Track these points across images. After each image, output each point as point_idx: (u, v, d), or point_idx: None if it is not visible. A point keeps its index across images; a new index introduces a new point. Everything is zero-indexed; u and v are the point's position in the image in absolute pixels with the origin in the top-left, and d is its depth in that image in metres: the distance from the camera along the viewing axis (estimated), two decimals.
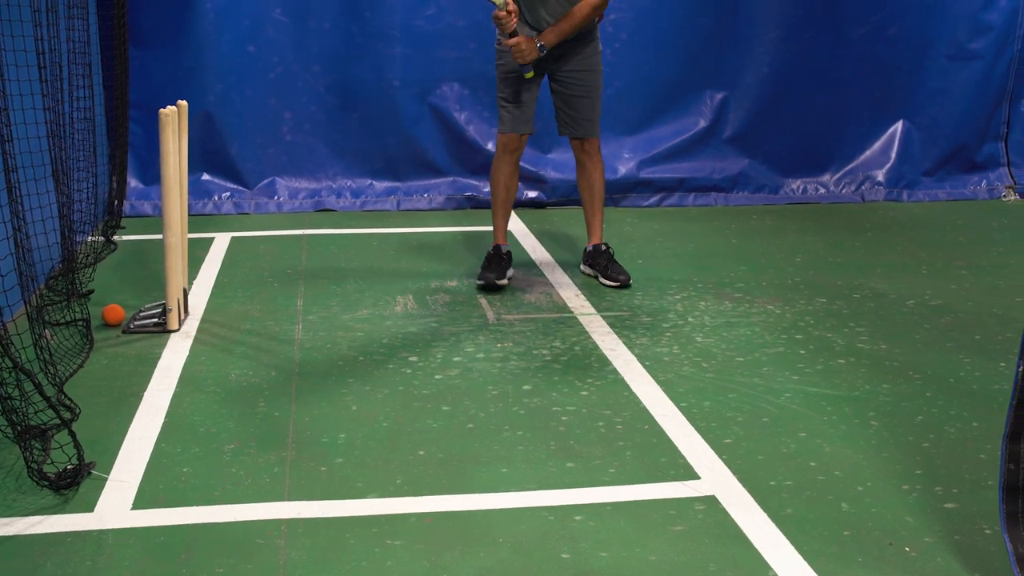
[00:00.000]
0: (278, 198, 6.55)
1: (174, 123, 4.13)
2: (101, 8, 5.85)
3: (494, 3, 4.54)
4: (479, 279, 4.84)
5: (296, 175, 6.63)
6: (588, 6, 4.63)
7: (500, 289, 4.81)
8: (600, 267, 4.96)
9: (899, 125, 7.10)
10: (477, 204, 6.54)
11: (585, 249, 5.10)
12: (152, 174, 6.44)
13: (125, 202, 6.25)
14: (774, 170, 6.95)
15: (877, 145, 7.12)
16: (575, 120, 4.87)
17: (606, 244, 5.03)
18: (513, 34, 4.59)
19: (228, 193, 6.52)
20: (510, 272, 4.94)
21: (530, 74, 4.70)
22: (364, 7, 6.42)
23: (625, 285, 4.85)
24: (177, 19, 6.34)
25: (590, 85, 4.84)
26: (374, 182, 6.64)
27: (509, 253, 5.01)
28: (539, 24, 4.69)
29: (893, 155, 7.08)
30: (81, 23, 5.04)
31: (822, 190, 6.98)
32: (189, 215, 4.76)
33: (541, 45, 4.63)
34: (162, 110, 4.07)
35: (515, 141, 4.87)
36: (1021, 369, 2.38)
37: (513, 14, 4.54)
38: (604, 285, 4.88)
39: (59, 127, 4.30)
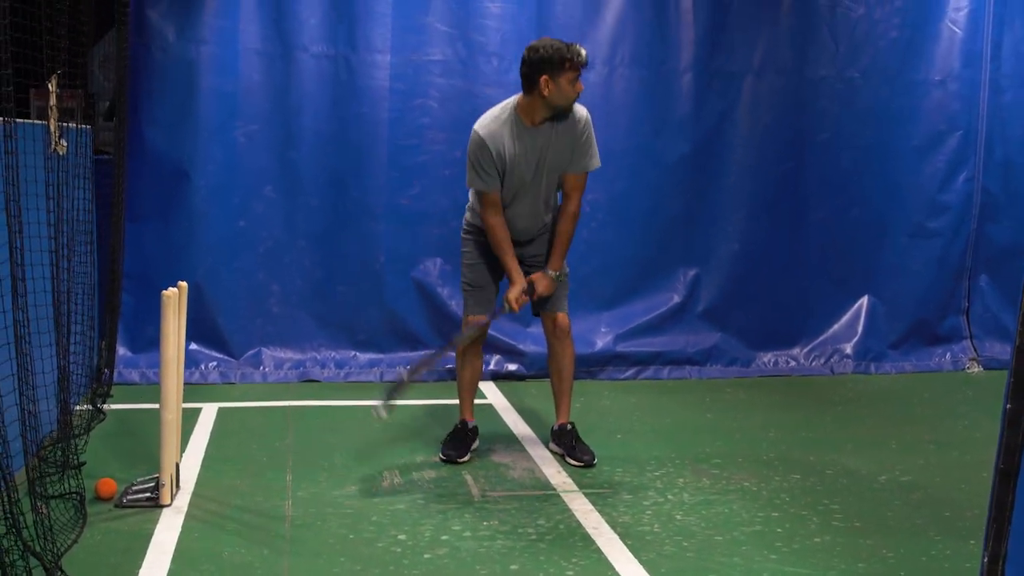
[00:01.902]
0: (263, 368, 6.69)
1: (175, 304, 4.30)
2: (99, 185, 6.07)
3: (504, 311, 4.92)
4: (442, 453, 5.03)
5: (281, 346, 6.78)
6: (571, 219, 4.91)
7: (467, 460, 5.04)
8: (566, 446, 5.10)
9: (864, 300, 7.39)
10: (456, 379, 6.69)
11: (552, 428, 5.25)
12: (141, 343, 6.58)
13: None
14: (745, 344, 7.19)
15: (844, 319, 7.39)
16: (545, 299, 5.04)
17: (571, 423, 5.17)
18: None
19: (215, 363, 6.66)
20: (474, 445, 5.14)
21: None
22: (352, 186, 6.71)
23: (589, 465, 4.97)
24: (171, 194, 6.57)
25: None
26: (358, 353, 6.81)
27: (475, 428, 5.20)
28: (514, 219, 4.92)
29: (860, 329, 7.35)
30: (85, 203, 5.27)
31: (792, 363, 7.21)
32: None
33: (555, 275, 4.91)
34: (164, 292, 4.24)
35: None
36: (986, 560, 2.52)
37: (520, 300, 4.86)
38: (570, 464, 5.01)
39: (63, 296, 4.47)
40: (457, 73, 6.71)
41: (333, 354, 6.80)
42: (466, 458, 5.03)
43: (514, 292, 4.86)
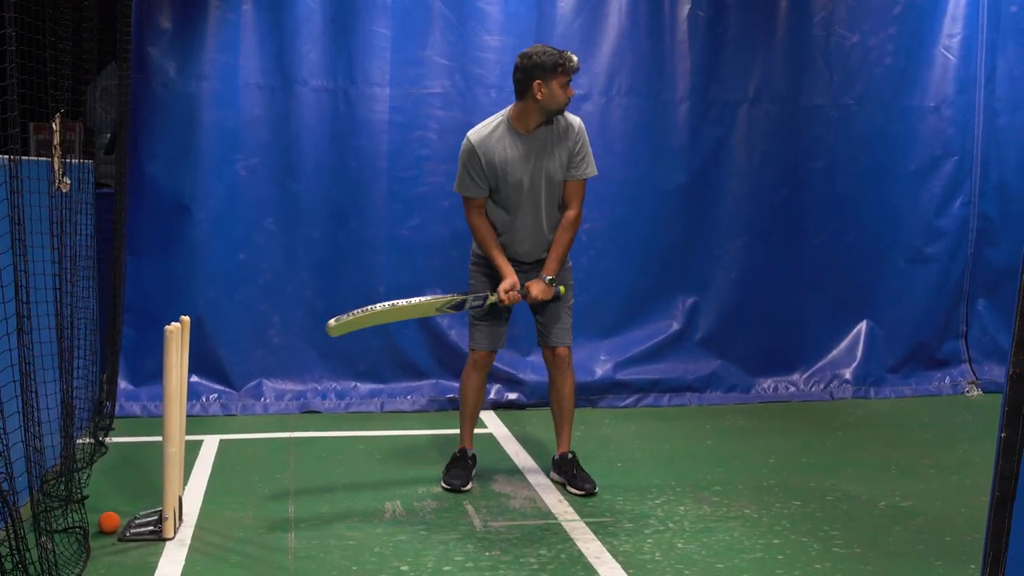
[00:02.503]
0: (264, 399, 6.71)
1: (178, 339, 4.33)
2: (99, 218, 6.11)
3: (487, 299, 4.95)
4: (444, 483, 5.06)
5: (282, 377, 6.80)
6: (571, 226, 4.96)
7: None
8: (567, 475, 5.12)
9: (863, 325, 7.43)
10: (459, 406, 6.72)
11: (553, 457, 5.28)
12: (141, 376, 6.60)
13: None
14: (745, 370, 7.22)
15: (843, 344, 7.43)
16: (550, 330, 5.09)
17: (572, 452, 5.19)
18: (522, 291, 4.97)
19: (216, 395, 6.68)
20: (473, 473, 5.18)
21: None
22: (352, 217, 6.76)
23: (591, 494, 4.99)
24: (172, 227, 6.61)
25: (563, 296, 5.09)
26: (358, 384, 6.83)
27: (474, 456, 5.24)
28: (517, 237, 5.00)
29: (859, 354, 7.39)
30: (87, 238, 5.31)
31: (792, 389, 7.24)
32: None
33: (550, 279, 4.94)
34: (167, 327, 4.27)
35: (485, 357, 5.15)
36: None
37: (510, 294, 4.90)
38: (571, 493, 5.03)
39: (66, 329, 4.50)
40: (456, 105, 6.78)
41: (334, 385, 6.82)
42: (469, 486, 5.05)
43: (505, 285, 4.92)
